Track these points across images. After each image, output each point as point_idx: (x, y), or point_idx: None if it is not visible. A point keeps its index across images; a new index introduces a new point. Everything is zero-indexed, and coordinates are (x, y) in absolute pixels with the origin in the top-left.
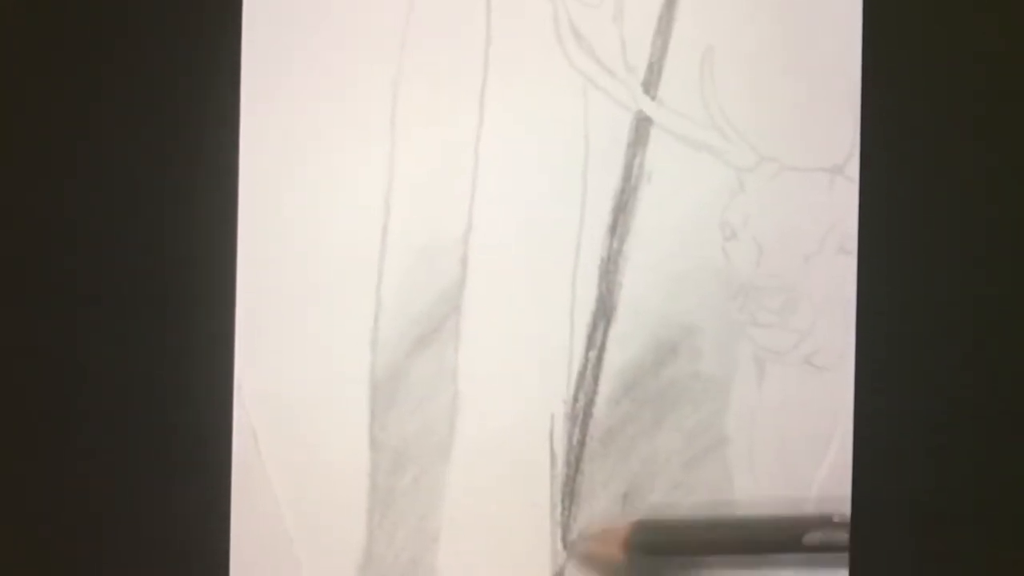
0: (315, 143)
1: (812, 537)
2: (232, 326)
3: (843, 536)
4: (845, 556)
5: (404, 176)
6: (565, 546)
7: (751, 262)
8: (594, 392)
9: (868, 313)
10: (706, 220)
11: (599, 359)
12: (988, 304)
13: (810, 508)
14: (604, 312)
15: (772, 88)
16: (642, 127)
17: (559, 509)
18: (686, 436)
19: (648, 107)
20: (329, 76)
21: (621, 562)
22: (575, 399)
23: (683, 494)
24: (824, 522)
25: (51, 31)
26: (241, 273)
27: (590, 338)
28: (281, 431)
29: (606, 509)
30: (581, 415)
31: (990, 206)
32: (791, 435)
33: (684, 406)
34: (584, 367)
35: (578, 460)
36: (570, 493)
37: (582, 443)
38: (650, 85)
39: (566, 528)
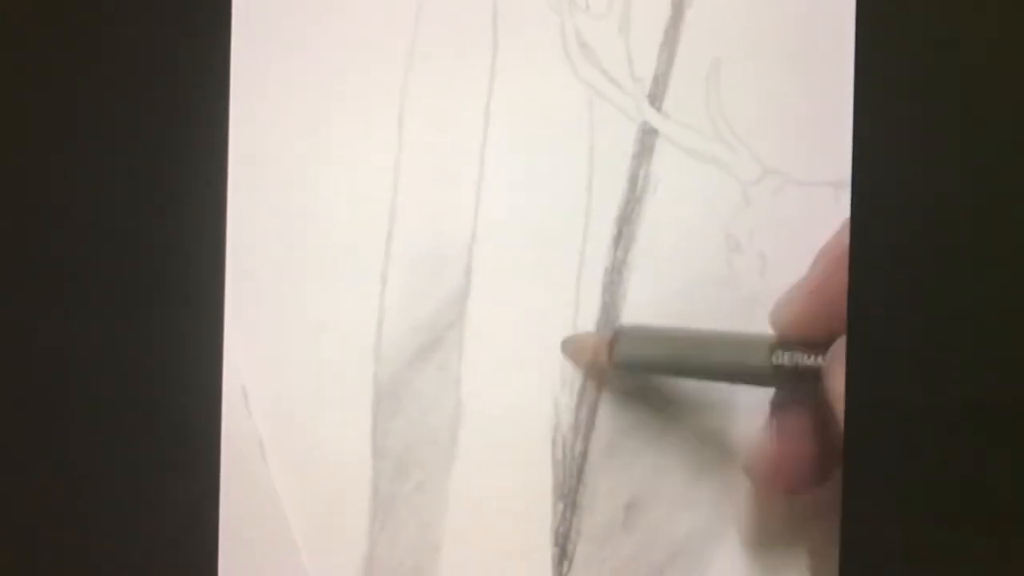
0: (320, 152)
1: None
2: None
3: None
4: None
5: (409, 185)
6: (566, 556)
7: (755, 275)
8: (597, 403)
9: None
10: (711, 232)
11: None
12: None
13: None
14: (608, 323)
15: (777, 101)
16: (647, 138)
17: (560, 520)
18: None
19: (654, 118)
20: (335, 86)
21: (606, 367)
22: (578, 409)
23: (686, 506)
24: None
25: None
26: (244, 282)
27: None
28: (285, 439)
29: (608, 520)
30: (584, 426)
31: (986, 218)
32: None
33: (687, 419)
34: (587, 377)
35: (580, 471)
36: (572, 504)
37: (584, 454)
38: (656, 97)
39: (567, 538)
